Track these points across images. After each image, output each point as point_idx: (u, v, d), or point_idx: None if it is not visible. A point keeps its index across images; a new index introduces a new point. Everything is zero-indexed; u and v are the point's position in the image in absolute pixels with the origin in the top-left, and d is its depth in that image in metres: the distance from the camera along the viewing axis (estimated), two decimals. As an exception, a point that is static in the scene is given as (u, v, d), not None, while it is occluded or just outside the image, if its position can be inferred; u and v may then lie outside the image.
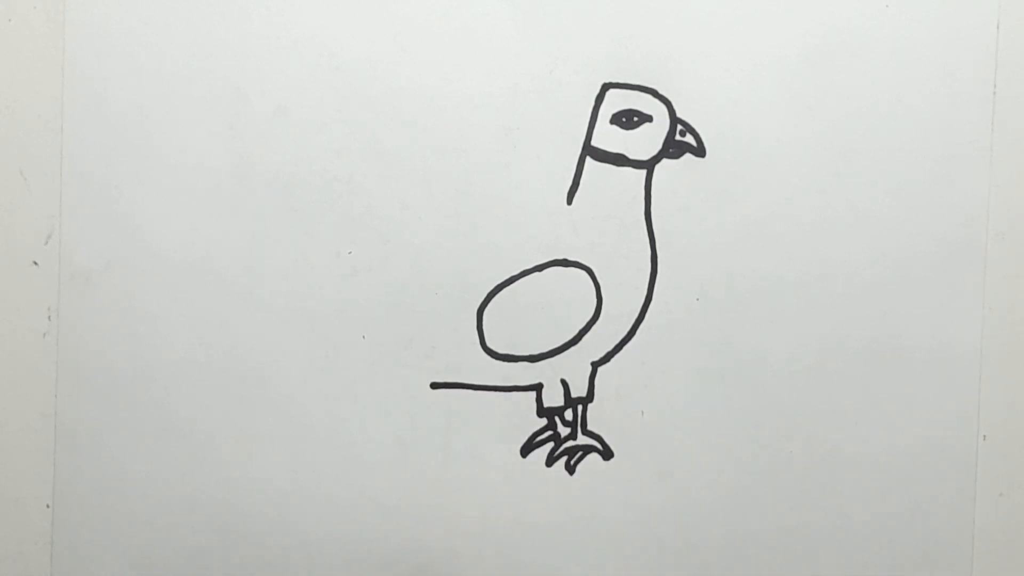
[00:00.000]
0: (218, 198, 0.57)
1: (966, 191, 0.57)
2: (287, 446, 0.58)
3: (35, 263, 0.58)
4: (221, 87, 0.57)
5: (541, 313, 0.57)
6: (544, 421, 0.58)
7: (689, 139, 0.57)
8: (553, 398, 0.58)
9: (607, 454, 0.58)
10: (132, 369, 0.57)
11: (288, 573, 0.58)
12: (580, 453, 0.58)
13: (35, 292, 0.58)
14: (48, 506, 0.58)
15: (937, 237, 0.57)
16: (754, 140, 0.57)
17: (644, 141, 0.57)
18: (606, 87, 0.57)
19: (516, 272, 0.57)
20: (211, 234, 0.57)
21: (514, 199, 0.57)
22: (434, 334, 0.57)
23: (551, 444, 0.58)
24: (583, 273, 0.57)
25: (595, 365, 0.58)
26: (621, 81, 0.57)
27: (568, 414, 0.58)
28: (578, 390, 0.58)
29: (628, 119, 0.57)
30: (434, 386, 0.58)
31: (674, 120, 0.57)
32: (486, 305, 0.57)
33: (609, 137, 0.57)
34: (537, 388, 0.58)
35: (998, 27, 0.57)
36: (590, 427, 0.58)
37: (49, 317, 0.58)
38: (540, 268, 0.57)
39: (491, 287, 0.57)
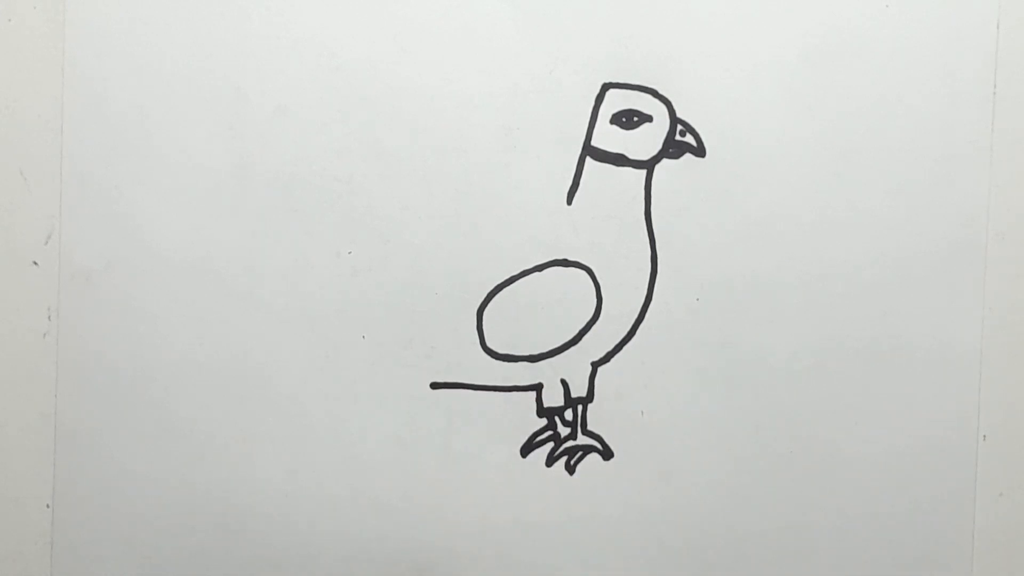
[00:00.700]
0: (218, 198, 0.57)
1: (966, 191, 0.57)
2: (287, 446, 0.58)
3: (35, 263, 0.58)
4: (221, 87, 0.57)
5: (541, 313, 0.57)
6: (544, 421, 0.58)
7: (689, 139, 0.57)
8: (553, 398, 0.58)
9: (607, 454, 0.58)
10: (132, 369, 0.57)
11: (288, 573, 0.58)
12: (580, 453, 0.58)
13: (35, 292, 0.58)
14: (48, 506, 0.58)
15: (937, 237, 0.57)
16: (754, 140, 0.57)
17: (644, 141, 0.57)
18: (606, 87, 0.57)
19: (516, 272, 0.57)
20: (211, 234, 0.57)
21: (514, 199, 0.57)
22: (434, 334, 0.57)
23: (551, 444, 0.58)
24: (583, 273, 0.57)
25: (595, 365, 0.58)
26: (621, 81, 0.57)
27: (568, 414, 0.58)
28: (578, 390, 0.58)
29: (628, 119, 0.57)
30: (434, 386, 0.58)
31: (674, 120, 0.57)
32: (486, 305, 0.57)
33: (609, 137, 0.57)
34: (537, 388, 0.58)
35: (998, 27, 0.57)
36: (590, 427, 0.58)
37: (49, 317, 0.58)
38: (540, 268, 0.57)
39: (491, 287, 0.57)
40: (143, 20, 0.57)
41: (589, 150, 0.57)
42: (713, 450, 0.58)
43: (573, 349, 0.57)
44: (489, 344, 0.57)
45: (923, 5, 0.57)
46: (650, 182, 0.57)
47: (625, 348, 0.58)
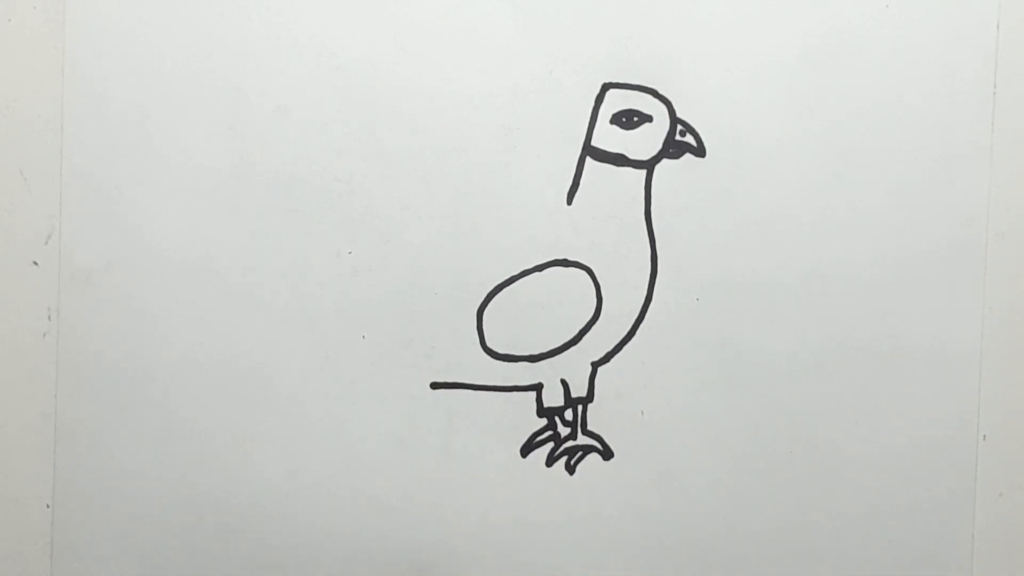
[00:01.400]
0: (218, 198, 0.57)
1: (966, 191, 0.57)
2: (287, 446, 0.58)
3: (35, 263, 0.58)
4: (221, 87, 0.57)
5: (541, 313, 0.57)
6: (544, 421, 0.58)
7: (689, 139, 0.57)
8: (553, 398, 0.58)
9: (607, 454, 0.58)
10: (132, 369, 0.57)
11: (288, 573, 0.58)
12: (580, 453, 0.58)
13: (35, 292, 0.58)
14: (48, 506, 0.58)
15: (937, 237, 0.57)
16: (754, 140, 0.57)
17: (644, 141, 0.57)
18: (606, 87, 0.57)
19: (516, 272, 0.57)
20: (211, 234, 0.57)
21: (514, 199, 0.57)
22: (434, 334, 0.57)
23: (551, 444, 0.58)
24: (583, 273, 0.57)
25: (595, 365, 0.58)
26: (621, 81, 0.57)
27: (568, 414, 0.58)
28: (578, 390, 0.58)
29: (628, 119, 0.57)
30: (434, 386, 0.58)
31: (674, 120, 0.57)
32: (486, 305, 0.57)
33: (609, 137, 0.57)
34: (537, 388, 0.58)
35: (998, 27, 0.57)
36: (590, 427, 0.58)
37: (49, 317, 0.58)
38: (540, 268, 0.57)
39: (491, 287, 0.57)
40: (143, 20, 0.57)
41: (589, 150, 0.57)
42: (713, 450, 0.58)
43: (573, 349, 0.57)
44: (489, 344, 0.57)
45: (923, 5, 0.57)
46: (650, 182, 0.57)
47: (625, 348, 0.58)
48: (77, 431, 0.58)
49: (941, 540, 0.58)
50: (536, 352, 0.57)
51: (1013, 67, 0.57)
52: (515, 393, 0.58)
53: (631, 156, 0.57)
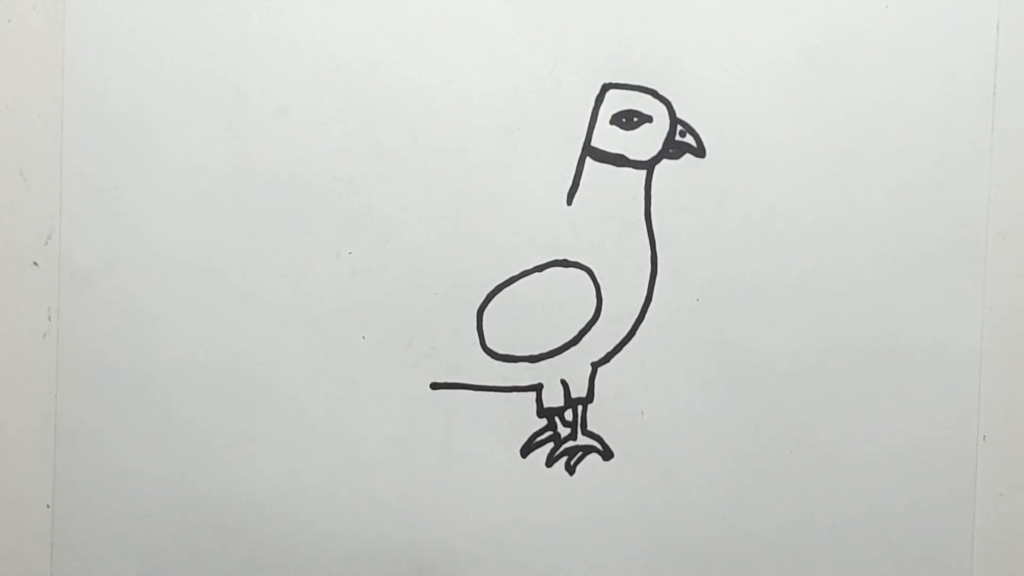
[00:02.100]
0: (218, 198, 0.57)
1: (966, 191, 0.57)
2: (287, 446, 0.58)
3: (35, 263, 0.58)
4: (221, 87, 0.57)
5: (541, 313, 0.57)
6: (544, 421, 0.58)
7: (689, 139, 0.57)
8: (553, 398, 0.58)
9: (607, 454, 0.58)
10: (132, 369, 0.57)
11: (288, 573, 0.58)
12: (580, 453, 0.58)
13: (35, 292, 0.58)
14: (48, 506, 0.58)
15: (937, 237, 0.57)
16: (754, 140, 0.57)
17: (644, 141, 0.57)
18: (606, 87, 0.57)
19: (516, 272, 0.57)
20: (211, 234, 0.57)
21: (514, 199, 0.57)
22: (434, 334, 0.57)
23: (551, 444, 0.58)
24: (583, 273, 0.57)
25: (595, 365, 0.58)
26: (621, 81, 0.57)
27: (568, 414, 0.58)
28: (578, 390, 0.58)
29: (628, 119, 0.57)
30: (434, 386, 0.58)
31: (674, 120, 0.57)
32: (486, 305, 0.57)
33: (609, 137, 0.57)
34: (537, 388, 0.58)
35: (998, 27, 0.57)
36: (590, 427, 0.58)
37: (49, 317, 0.58)
38: (540, 268, 0.57)
39: (491, 287, 0.57)
40: (143, 20, 0.57)
41: (589, 150, 0.57)
42: (713, 450, 0.58)
43: (573, 349, 0.57)
44: (489, 344, 0.57)
45: (923, 5, 0.57)
46: (650, 182, 0.57)
47: (625, 348, 0.58)
48: (77, 431, 0.58)
49: (941, 540, 0.58)
50: (536, 352, 0.57)
51: (1013, 67, 0.57)
52: (515, 393, 0.58)
53: (631, 156, 0.57)
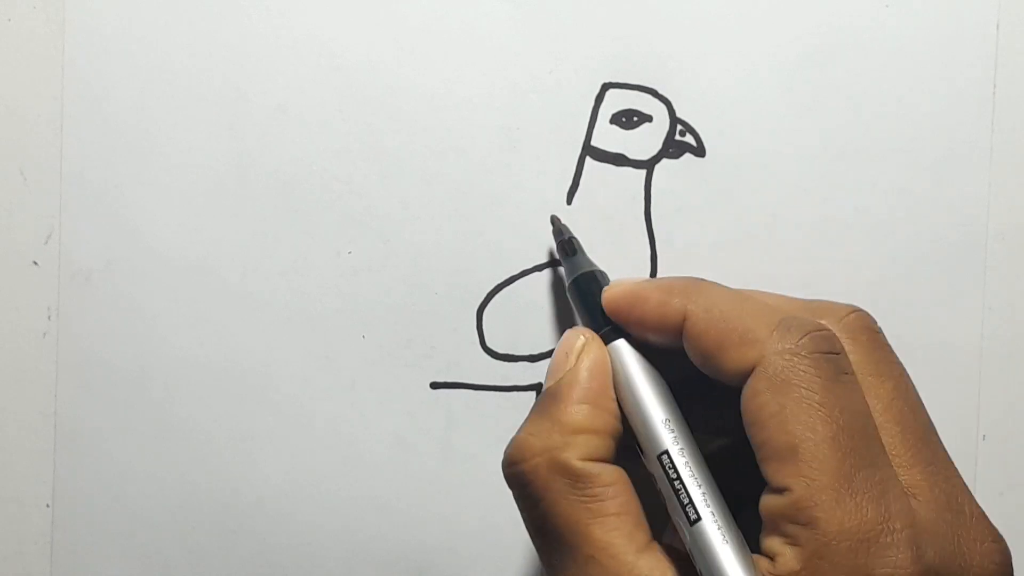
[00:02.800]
0: (218, 198, 0.57)
1: (966, 191, 0.57)
2: (287, 446, 0.58)
3: (35, 263, 0.58)
4: (221, 87, 0.57)
5: (541, 313, 0.57)
6: (544, 421, 0.58)
7: (689, 139, 0.57)
8: (553, 398, 0.58)
9: (607, 454, 0.58)
10: (132, 369, 0.57)
11: (288, 573, 0.58)
12: (580, 453, 0.58)
13: (35, 292, 0.58)
14: (48, 506, 0.58)
15: (937, 237, 0.57)
16: (754, 140, 0.57)
17: (644, 141, 0.57)
18: (606, 87, 0.57)
19: (516, 272, 0.57)
20: (211, 234, 0.57)
21: (514, 199, 0.57)
22: (434, 334, 0.57)
23: (551, 444, 0.58)
24: (583, 273, 0.57)
25: (595, 365, 0.58)
26: (621, 81, 0.57)
27: (568, 414, 0.58)
28: (578, 390, 0.58)
29: (628, 119, 0.57)
30: (434, 386, 0.58)
31: (674, 120, 0.57)
32: (486, 305, 0.57)
33: (609, 137, 0.57)
34: (537, 388, 0.58)
35: (998, 27, 0.57)
36: (590, 427, 0.58)
37: (49, 317, 0.58)
38: (540, 268, 0.57)
39: (491, 287, 0.57)
40: (143, 20, 0.57)
41: (589, 150, 0.57)
42: (713, 450, 0.58)
43: (573, 349, 0.57)
44: (489, 344, 0.57)
45: (923, 5, 0.57)
46: (650, 182, 0.57)
47: (625, 348, 0.57)
48: (77, 431, 0.58)
49: (941, 540, 0.58)
50: (536, 352, 0.57)
51: (1013, 67, 0.57)
52: (515, 393, 0.58)
53: (631, 156, 0.57)
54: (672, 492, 0.42)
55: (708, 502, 0.41)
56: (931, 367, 0.57)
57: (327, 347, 0.57)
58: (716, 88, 0.57)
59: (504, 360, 0.57)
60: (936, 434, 0.43)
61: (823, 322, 0.42)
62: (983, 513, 0.42)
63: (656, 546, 0.42)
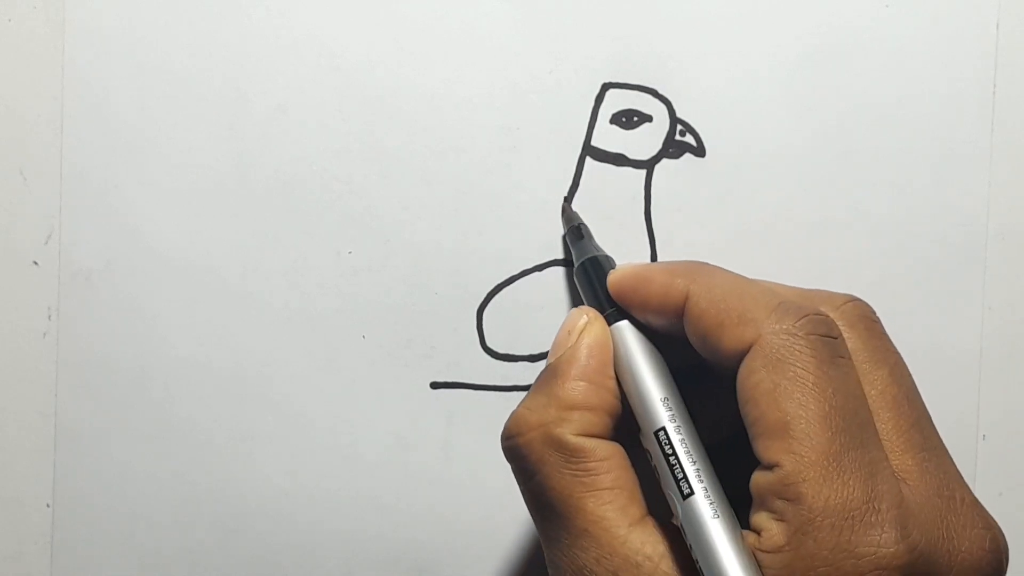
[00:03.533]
0: (218, 198, 0.57)
1: (966, 191, 0.57)
2: (287, 446, 0.58)
3: (35, 263, 0.58)
4: (221, 87, 0.57)
5: (541, 313, 0.57)
6: (544, 421, 0.58)
7: (689, 139, 0.57)
8: (553, 398, 0.58)
9: (607, 454, 0.58)
10: (132, 369, 0.57)
11: (288, 573, 0.58)
12: (580, 453, 0.58)
13: (35, 292, 0.58)
14: (48, 506, 0.58)
15: (937, 237, 0.57)
16: (754, 140, 0.57)
17: (644, 141, 0.57)
18: (606, 87, 0.57)
19: (516, 272, 0.57)
20: (211, 234, 0.57)
21: (514, 199, 0.57)
22: (434, 334, 0.57)
23: (551, 444, 0.58)
24: (583, 273, 0.57)
25: (595, 365, 0.58)
26: (621, 81, 0.57)
27: (568, 414, 0.58)
28: (578, 390, 0.58)
29: (628, 119, 0.57)
30: (434, 386, 0.58)
31: (674, 120, 0.57)
32: (486, 305, 0.57)
33: (609, 137, 0.57)
34: (537, 388, 0.58)
35: (998, 27, 0.57)
36: (590, 427, 0.58)
37: (49, 317, 0.58)
38: (540, 268, 0.57)
39: (491, 287, 0.57)
40: (143, 20, 0.57)
41: (589, 150, 0.57)
42: (713, 450, 0.58)
43: (573, 349, 0.57)
44: (489, 344, 0.57)
45: (923, 5, 0.57)
46: (650, 182, 0.57)
47: (625, 348, 0.57)
48: (77, 431, 0.58)
49: (941, 540, 0.58)
50: (536, 352, 0.57)
51: (1013, 67, 0.57)
52: (515, 393, 0.58)
53: (631, 156, 0.57)
54: (667, 467, 0.42)
55: (702, 477, 0.41)
56: (931, 367, 0.57)
57: (327, 347, 0.57)
58: (716, 88, 0.57)
59: (504, 360, 0.57)
60: (931, 422, 0.44)
61: (822, 308, 0.42)
62: (976, 501, 0.42)
63: (651, 521, 0.42)
